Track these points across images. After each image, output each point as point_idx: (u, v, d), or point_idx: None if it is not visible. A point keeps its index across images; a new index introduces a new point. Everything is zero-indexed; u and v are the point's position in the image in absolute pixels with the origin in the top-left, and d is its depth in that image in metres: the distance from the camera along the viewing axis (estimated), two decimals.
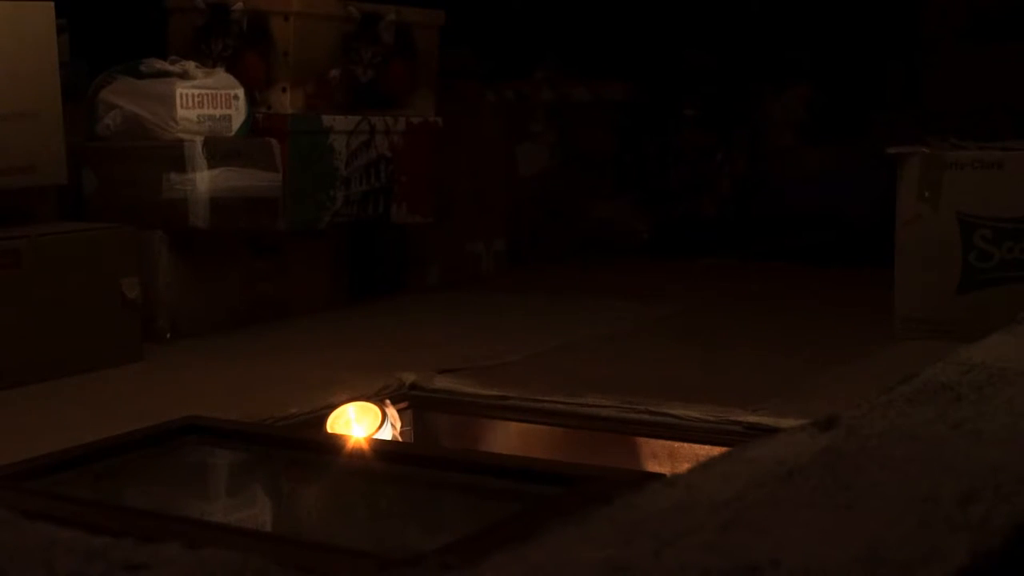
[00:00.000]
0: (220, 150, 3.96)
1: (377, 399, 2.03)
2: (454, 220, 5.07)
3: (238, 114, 4.10)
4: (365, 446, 1.82)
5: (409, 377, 3.22)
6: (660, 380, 3.25)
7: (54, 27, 3.66)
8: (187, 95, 3.99)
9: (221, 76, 4.12)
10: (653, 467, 2.87)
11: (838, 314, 4.28)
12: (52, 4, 3.63)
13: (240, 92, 4.12)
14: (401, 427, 2.12)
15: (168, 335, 3.90)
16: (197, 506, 1.66)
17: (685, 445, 2.85)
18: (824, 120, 6.12)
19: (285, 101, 4.26)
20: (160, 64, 4.11)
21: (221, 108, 4.07)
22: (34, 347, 3.33)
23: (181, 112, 3.97)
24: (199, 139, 3.91)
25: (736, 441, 2.53)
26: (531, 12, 6.06)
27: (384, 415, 1.94)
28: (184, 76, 4.04)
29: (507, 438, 3.11)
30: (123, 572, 1.26)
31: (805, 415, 2.05)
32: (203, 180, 3.89)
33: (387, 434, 1.93)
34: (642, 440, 2.91)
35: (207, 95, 4.04)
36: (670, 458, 2.86)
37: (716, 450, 2.53)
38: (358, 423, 2.00)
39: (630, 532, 1.20)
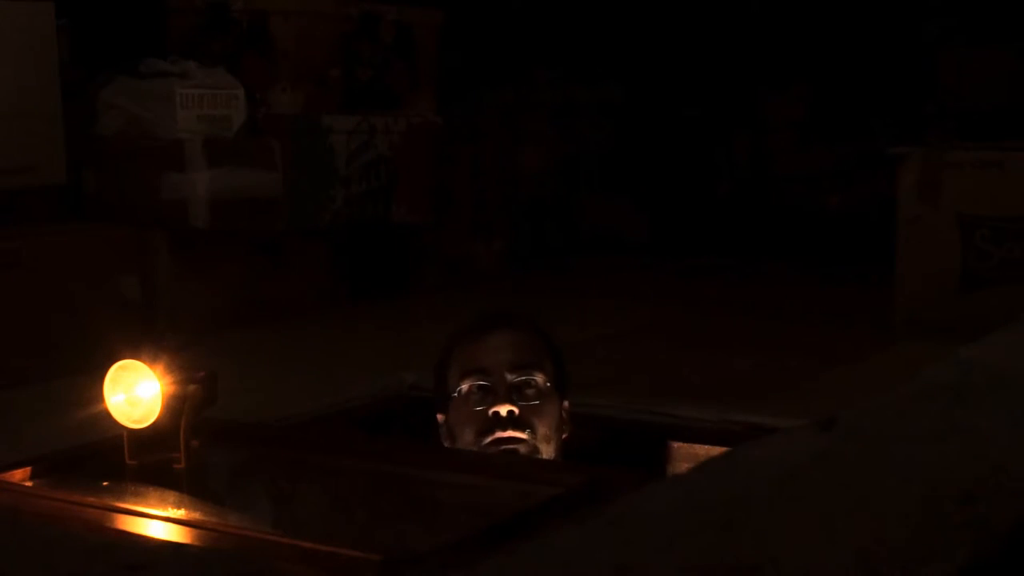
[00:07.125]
0: (220, 150, 3.96)
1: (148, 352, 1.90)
2: (454, 220, 5.07)
3: (238, 114, 4.10)
4: (365, 445, 1.82)
5: (409, 377, 3.21)
6: (660, 380, 3.25)
7: (54, 27, 3.66)
8: (187, 95, 3.99)
9: (221, 76, 4.12)
10: (654, 467, 2.87)
11: (838, 314, 4.28)
12: (52, 4, 3.63)
13: (240, 92, 4.11)
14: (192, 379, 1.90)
15: (167, 335, 3.90)
16: (197, 506, 1.65)
17: (685, 445, 2.84)
18: (824, 120, 6.11)
19: (285, 101, 4.26)
20: (160, 64, 4.10)
21: (221, 108, 4.06)
22: (34, 347, 3.33)
23: (181, 112, 3.97)
24: (199, 139, 3.91)
25: (736, 441, 2.52)
26: (530, 12, 6.05)
27: (158, 366, 1.85)
28: (184, 76, 4.04)
29: None
30: (123, 572, 1.26)
31: (805, 415, 2.04)
32: (203, 180, 3.89)
33: (152, 389, 1.84)
34: (643, 440, 2.90)
35: (207, 95, 4.04)
36: (670, 458, 2.86)
37: (716, 450, 2.53)
38: (117, 383, 1.93)
39: (630, 532, 1.20)
